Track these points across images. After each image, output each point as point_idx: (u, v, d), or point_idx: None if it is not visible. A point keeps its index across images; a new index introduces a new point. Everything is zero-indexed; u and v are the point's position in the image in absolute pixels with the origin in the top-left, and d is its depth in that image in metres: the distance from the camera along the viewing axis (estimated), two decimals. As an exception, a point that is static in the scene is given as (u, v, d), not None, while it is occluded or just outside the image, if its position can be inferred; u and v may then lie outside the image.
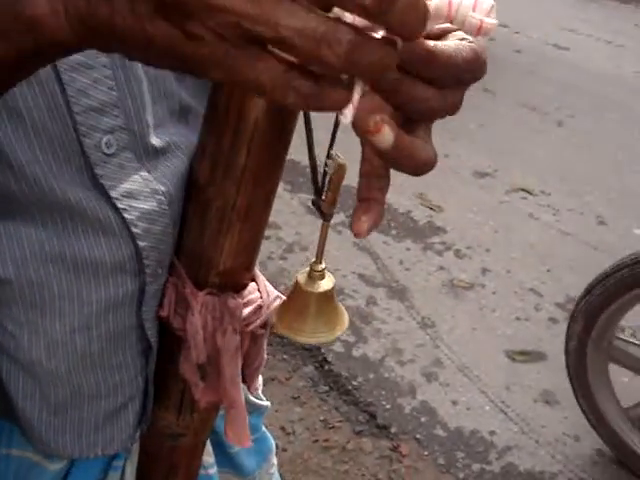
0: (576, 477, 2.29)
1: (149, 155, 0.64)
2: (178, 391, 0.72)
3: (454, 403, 2.54)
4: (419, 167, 0.48)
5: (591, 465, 2.33)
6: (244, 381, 0.75)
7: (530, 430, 2.44)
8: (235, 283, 0.67)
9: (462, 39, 0.47)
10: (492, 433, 2.43)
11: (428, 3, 0.41)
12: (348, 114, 0.42)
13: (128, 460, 0.77)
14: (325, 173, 0.61)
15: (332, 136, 0.60)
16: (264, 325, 0.71)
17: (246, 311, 0.67)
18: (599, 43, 5.75)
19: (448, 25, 0.46)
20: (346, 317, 0.68)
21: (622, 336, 2.32)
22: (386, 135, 0.44)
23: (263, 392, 0.94)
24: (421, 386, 2.59)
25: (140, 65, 0.61)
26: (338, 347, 2.71)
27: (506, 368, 2.67)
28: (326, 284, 0.66)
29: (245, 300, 0.67)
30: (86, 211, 0.61)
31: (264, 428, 0.96)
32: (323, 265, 0.65)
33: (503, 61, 5.20)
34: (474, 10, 0.43)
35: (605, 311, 2.20)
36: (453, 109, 0.48)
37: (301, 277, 0.66)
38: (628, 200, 3.66)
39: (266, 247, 3.09)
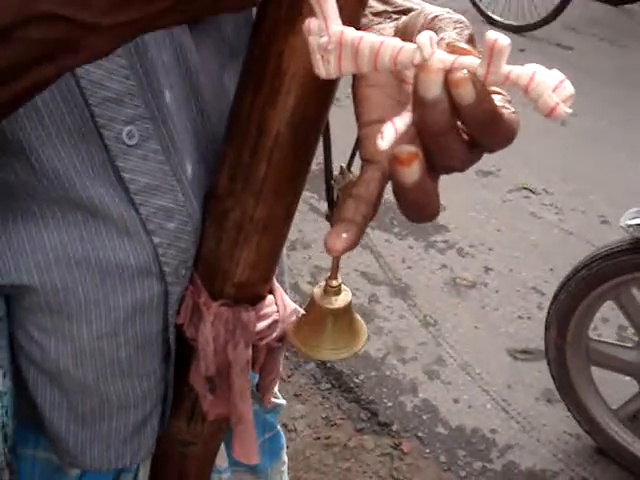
0: (577, 476, 2.30)
1: (175, 145, 0.62)
2: (190, 399, 0.71)
3: (456, 401, 2.54)
4: (423, 216, 0.49)
5: (592, 464, 2.33)
6: (259, 392, 0.74)
7: (532, 428, 2.44)
8: (251, 295, 0.65)
9: (507, 102, 0.48)
10: (493, 431, 2.43)
11: (509, 68, 0.41)
12: (388, 137, 0.43)
13: (141, 464, 0.76)
14: (332, 186, 0.61)
15: (352, 153, 0.59)
16: (280, 339, 0.70)
17: (261, 325, 0.66)
18: (603, 43, 5.75)
19: None
20: (364, 333, 0.66)
21: (595, 337, 2.33)
22: (414, 171, 0.44)
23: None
24: (423, 384, 2.59)
25: (157, 54, 0.59)
26: (340, 345, 2.71)
27: (508, 366, 2.67)
28: (342, 300, 0.64)
29: (261, 313, 0.66)
30: (108, 208, 0.59)
31: (278, 426, 0.95)
32: (339, 280, 0.64)
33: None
34: (554, 91, 0.41)
35: (574, 315, 2.21)
36: (464, 168, 0.49)
37: (317, 292, 0.65)
38: (631, 199, 3.65)
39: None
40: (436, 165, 0.47)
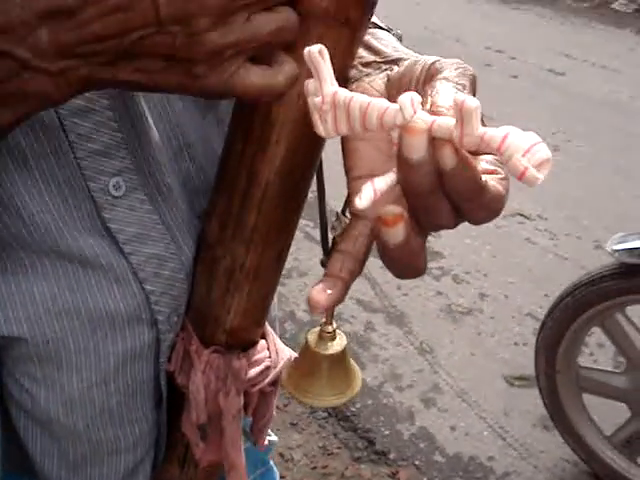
0: (575, 503, 2.29)
1: (163, 194, 0.62)
2: (183, 444, 0.71)
3: (453, 429, 2.53)
4: (408, 271, 0.48)
5: (589, 491, 2.33)
6: (252, 434, 0.74)
7: (529, 455, 2.43)
8: (243, 341, 0.65)
9: (495, 170, 0.47)
10: (491, 459, 2.42)
11: (484, 130, 0.40)
12: (366, 198, 0.42)
13: None
14: (327, 233, 0.60)
15: (346, 200, 0.59)
16: (273, 383, 0.70)
17: (253, 372, 0.66)
18: (595, 68, 5.78)
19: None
20: (358, 379, 0.66)
21: (584, 364, 2.33)
22: (398, 232, 0.43)
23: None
24: (420, 412, 2.59)
25: (145, 104, 0.60)
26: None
27: (504, 393, 2.67)
28: (337, 345, 0.64)
29: (253, 360, 0.66)
30: (97, 259, 0.59)
31: (271, 462, 0.95)
32: (334, 326, 0.63)
33: (499, 86, 5.23)
34: (524, 155, 0.40)
35: (561, 342, 2.21)
36: (453, 226, 0.48)
37: (311, 337, 0.64)
38: (625, 225, 3.66)
39: (264, 273, 3.08)
40: (422, 224, 0.47)
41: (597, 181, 4.10)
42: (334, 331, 0.64)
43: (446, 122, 0.41)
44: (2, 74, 0.41)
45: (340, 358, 0.64)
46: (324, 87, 0.44)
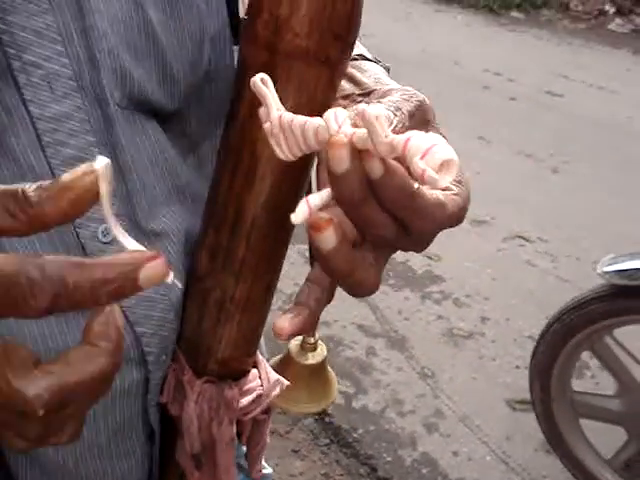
0: (579, 528, 2.27)
1: (149, 239, 0.63)
2: (177, 475, 0.71)
3: (455, 454, 2.52)
4: (353, 285, 0.48)
5: (593, 515, 2.31)
6: (247, 462, 0.74)
7: (532, 480, 2.42)
8: (235, 371, 0.66)
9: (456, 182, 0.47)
10: (494, 484, 2.42)
11: (392, 137, 0.40)
12: (300, 213, 0.43)
13: None
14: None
15: None
16: (266, 411, 0.70)
17: (245, 400, 0.66)
18: (592, 89, 5.82)
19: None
20: (334, 389, 0.68)
21: (579, 389, 2.33)
22: (329, 236, 0.43)
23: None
24: (422, 437, 2.58)
25: (136, 154, 0.61)
26: (338, 399, 2.70)
27: (507, 417, 2.66)
28: (317, 357, 0.66)
29: (244, 389, 0.67)
30: None
31: None
32: (317, 337, 0.66)
33: (498, 108, 5.26)
34: (422, 157, 0.39)
35: (554, 368, 2.22)
36: (417, 248, 0.48)
37: (293, 347, 0.67)
38: (624, 246, 3.66)
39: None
40: (367, 237, 0.48)
41: (596, 202, 4.11)
42: (316, 342, 0.66)
43: (361, 133, 0.41)
44: None
45: (320, 367, 0.67)
46: (271, 112, 0.45)
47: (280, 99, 0.46)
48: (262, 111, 0.46)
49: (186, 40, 0.62)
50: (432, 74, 5.47)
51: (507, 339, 3.05)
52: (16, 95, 0.54)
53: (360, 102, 0.59)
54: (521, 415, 2.66)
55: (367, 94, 0.60)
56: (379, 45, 4.20)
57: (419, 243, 0.49)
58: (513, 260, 3.61)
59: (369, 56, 0.68)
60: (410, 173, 0.41)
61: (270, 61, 0.53)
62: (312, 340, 0.66)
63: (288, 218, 0.58)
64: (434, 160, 0.39)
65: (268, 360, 0.74)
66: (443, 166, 0.39)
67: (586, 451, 2.27)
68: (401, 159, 0.41)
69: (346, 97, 0.60)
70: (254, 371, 0.69)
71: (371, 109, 0.39)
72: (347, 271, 0.46)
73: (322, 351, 0.67)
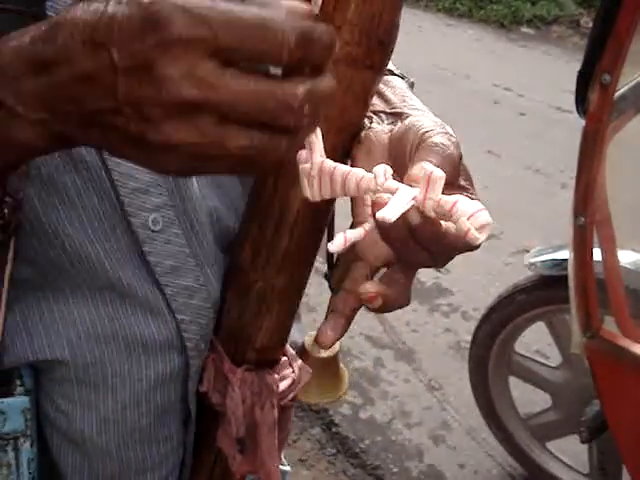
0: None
1: (195, 230, 0.67)
2: (209, 462, 0.75)
3: (461, 467, 2.53)
4: (389, 303, 0.58)
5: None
6: None
7: (537, 494, 2.43)
8: (270, 359, 0.70)
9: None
10: (500, 497, 2.42)
11: (440, 196, 0.49)
12: (337, 244, 0.53)
13: None
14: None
15: (350, 226, 0.65)
16: (293, 397, 0.74)
17: (282, 385, 0.71)
18: (602, 106, 5.83)
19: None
20: (344, 383, 0.76)
21: (520, 351, 2.44)
22: (378, 302, 0.57)
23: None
24: (428, 449, 2.59)
25: None
26: (345, 409, 2.72)
27: (513, 431, 2.67)
28: (331, 350, 0.73)
29: (280, 375, 0.71)
30: (135, 289, 0.64)
31: None
32: None
33: (507, 124, 5.28)
34: (469, 219, 0.49)
35: (490, 356, 2.36)
36: (439, 266, 0.57)
37: (308, 340, 0.73)
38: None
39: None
40: (406, 262, 0.58)
41: (605, 219, 4.11)
42: None
43: (409, 190, 0.50)
44: None
45: (332, 361, 0.74)
46: (314, 157, 0.52)
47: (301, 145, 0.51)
48: (302, 154, 0.53)
49: None
50: (442, 88, 5.48)
51: (514, 353, 3.05)
52: None
53: (391, 123, 0.63)
54: (527, 429, 2.67)
55: (396, 115, 0.64)
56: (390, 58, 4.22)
57: (441, 264, 0.57)
58: (521, 274, 3.61)
59: (396, 70, 0.71)
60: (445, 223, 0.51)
61: None
62: None
63: (325, 215, 0.65)
64: (477, 222, 0.50)
65: None
66: (482, 227, 0.50)
67: (507, 406, 2.43)
68: (446, 216, 0.50)
69: (376, 113, 0.65)
70: (285, 359, 0.73)
71: (437, 171, 0.48)
72: (397, 307, 0.60)
73: (335, 346, 0.72)
